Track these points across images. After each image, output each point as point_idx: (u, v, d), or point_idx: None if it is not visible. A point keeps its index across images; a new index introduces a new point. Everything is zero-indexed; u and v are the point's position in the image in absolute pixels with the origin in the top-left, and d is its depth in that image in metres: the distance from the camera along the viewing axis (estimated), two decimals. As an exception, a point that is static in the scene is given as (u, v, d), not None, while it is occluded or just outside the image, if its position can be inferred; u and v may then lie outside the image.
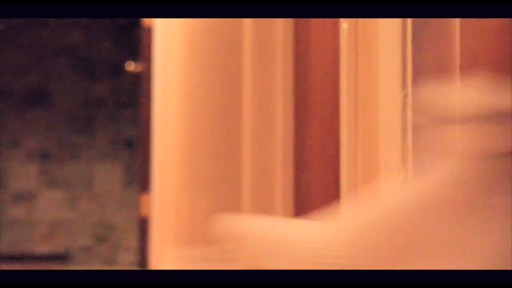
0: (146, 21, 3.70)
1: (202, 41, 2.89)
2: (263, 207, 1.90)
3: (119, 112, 5.91)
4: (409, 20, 1.14)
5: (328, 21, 1.68)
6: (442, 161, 0.85)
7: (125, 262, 5.88)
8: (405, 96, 1.14)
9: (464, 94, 0.85)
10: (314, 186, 1.75)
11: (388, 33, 1.18)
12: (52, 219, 6.03)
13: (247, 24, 2.02)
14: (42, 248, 6.02)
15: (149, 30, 3.61)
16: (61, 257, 5.86)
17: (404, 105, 1.13)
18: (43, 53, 5.77)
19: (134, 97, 5.81)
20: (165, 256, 3.35)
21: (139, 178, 3.68)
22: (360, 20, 1.40)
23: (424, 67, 1.13)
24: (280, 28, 1.95)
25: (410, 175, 1.12)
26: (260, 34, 1.97)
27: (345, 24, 1.42)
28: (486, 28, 0.97)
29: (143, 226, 3.58)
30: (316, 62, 1.78)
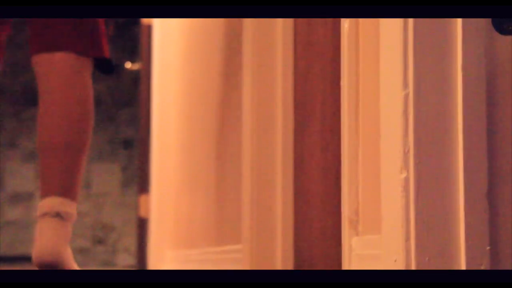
0: (145, 19, 3.68)
1: (202, 40, 2.88)
2: (263, 207, 1.89)
3: (117, 112, 5.90)
4: (411, 20, 1.13)
5: (329, 20, 1.68)
6: None
7: (123, 264, 5.86)
8: (406, 96, 1.13)
9: None
10: (315, 186, 1.75)
11: (389, 32, 1.18)
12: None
13: (247, 24, 2.01)
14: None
15: (148, 28, 3.60)
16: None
17: (405, 105, 1.13)
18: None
19: (132, 96, 5.79)
20: (164, 258, 3.34)
21: (138, 178, 3.66)
22: (361, 19, 1.39)
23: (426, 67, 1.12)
24: (280, 28, 1.95)
25: (411, 176, 1.11)
26: (260, 34, 1.96)
27: (346, 23, 1.42)
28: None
29: (141, 227, 3.57)
30: (316, 61, 1.78)
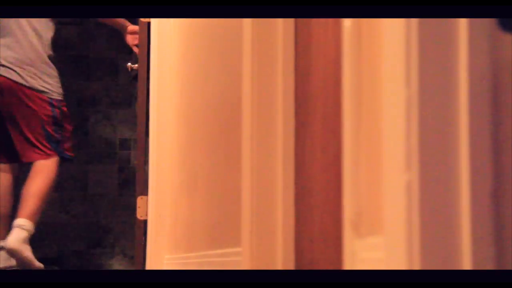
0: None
1: (201, 40, 2.87)
2: (263, 208, 1.88)
3: (114, 112, 5.88)
4: (414, 19, 1.12)
5: (330, 19, 1.67)
6: None
7: (120, 268, 5.84)
8: (409, 95, 1.12)
9: None
10: (316, 187, 1.74)
11: (392, 31, 1.17)
12: (44, 222, 5.97)
13: (247, 24, 2.00)
14: (33, 253, 5.95)
15: (146, 26, 3.57)
16: (53, 262, 5.78)
17: (408, 104, 1.12)
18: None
19: (130, 96, 5.78)
20: (162, 261, 3.33)
21: (135, 180, 3.64)
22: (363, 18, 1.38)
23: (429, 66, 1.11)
24: (280, 28, 1.94)
25: (415, 176, 1.10)
26: (260, 34, 1.96)
27: (347, 22, 1.41)
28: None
29: (139, 229, 3.55)
30: (317, 61, 1.77)
